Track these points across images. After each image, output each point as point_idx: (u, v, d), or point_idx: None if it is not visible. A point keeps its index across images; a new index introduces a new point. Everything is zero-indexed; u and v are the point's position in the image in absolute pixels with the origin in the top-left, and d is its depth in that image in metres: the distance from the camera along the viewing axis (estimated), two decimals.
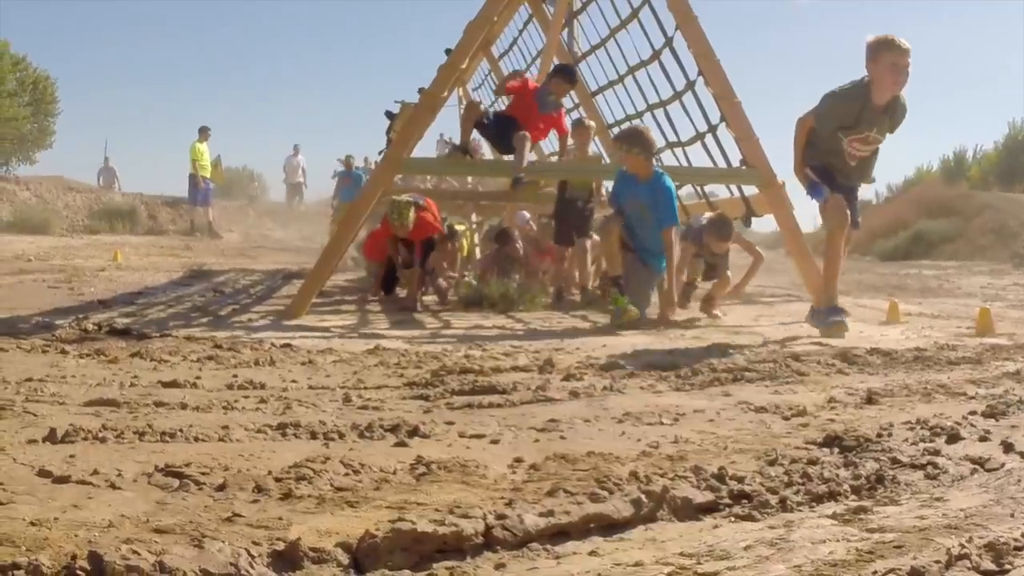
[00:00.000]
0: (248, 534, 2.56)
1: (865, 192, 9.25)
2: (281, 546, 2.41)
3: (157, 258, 18.28)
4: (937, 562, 2.34)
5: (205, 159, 29.96)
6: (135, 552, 2.22)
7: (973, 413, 4.61)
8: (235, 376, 5.54)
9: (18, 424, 3.99)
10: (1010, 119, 47.28)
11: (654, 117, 13.71)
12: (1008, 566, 2.34)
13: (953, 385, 5.59)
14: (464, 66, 12.09)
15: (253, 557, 2.32)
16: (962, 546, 2.43)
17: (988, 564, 2.34)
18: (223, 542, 2.39)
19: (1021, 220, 32.96)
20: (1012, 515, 2.81)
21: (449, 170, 14.58)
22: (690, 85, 12.19)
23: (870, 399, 5.05)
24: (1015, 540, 2.51)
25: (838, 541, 2.57)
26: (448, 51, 10.91)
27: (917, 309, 12.44)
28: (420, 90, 11.22)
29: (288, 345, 7.06)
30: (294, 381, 5.48)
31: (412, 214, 11.15)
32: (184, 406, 4.55)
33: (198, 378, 5.42)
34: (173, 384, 5.17)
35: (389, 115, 11.48)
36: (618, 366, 6.33)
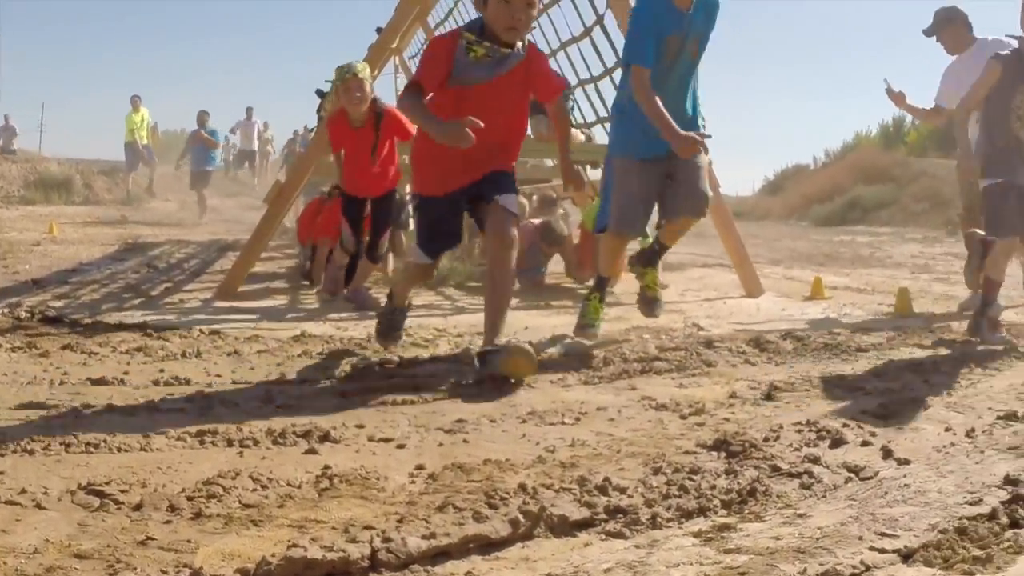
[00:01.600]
0: (159, 558, 2.77)
1: (802, 157, 9.28)
2: (186, 574, 2.62)
3: (93, 229, 18.17)
4: None
5: (143, 128, 29.81)
6: None
7: (864, 412, 4.87)
8: (162, 371, 5.72)
9: None
10: None
11: (585, 92, 13.97)
12: None
13: (854, 379, 5.84)
14: (395, 45, 12.19)
15: None
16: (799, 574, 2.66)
17: None
18: (136, 570, 2.60)
19: (956, 188, 33.39)
20: (861, 537, 3.04)
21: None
22: (599, 19, 12.50)
23: (770, 395, 5.28)
24: (852, 568, 2.75)
25: (691, 564, 2.80)
26: (379, 29, 10.97)
27: (844, 282, 12.68)
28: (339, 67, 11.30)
29: (216, 332, 7.23)
30: (218, 376, 5.68)
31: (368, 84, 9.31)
32: (111, 407, 4.73)
33: (126, 373, 5.60)
34: (101, 381, 5.35)
35: (320, 93, 11.53)
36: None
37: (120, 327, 7.33)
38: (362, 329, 7.56)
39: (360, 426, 4.48)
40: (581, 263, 11.39)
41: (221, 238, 19.28)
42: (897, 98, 9.97)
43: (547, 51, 14.65)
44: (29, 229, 18.72)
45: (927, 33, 9.73)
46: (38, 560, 2.74)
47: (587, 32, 13.08)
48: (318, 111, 11.27)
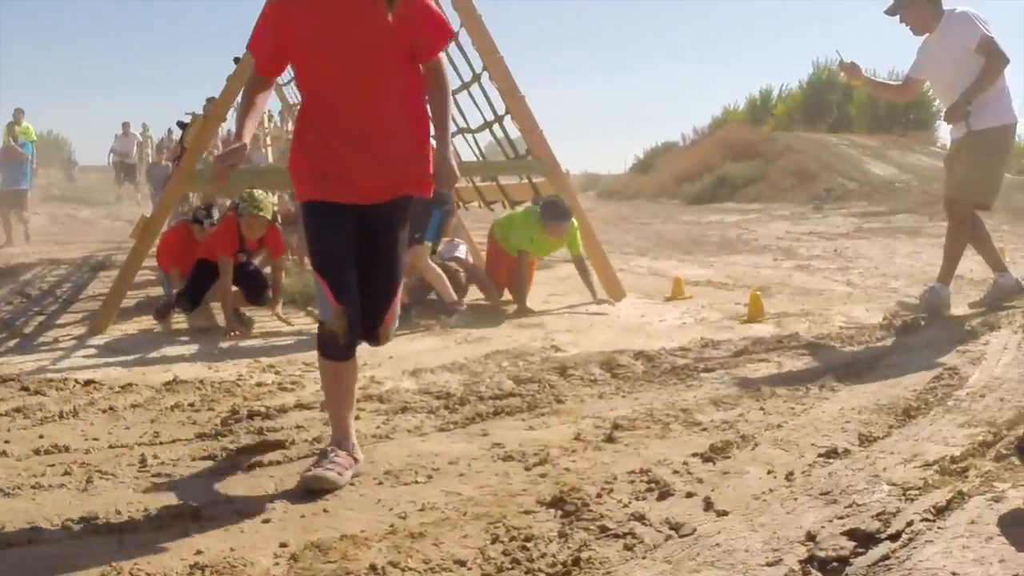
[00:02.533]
0: None
1: (671, 135, 9.37)
2: None
3: None
4: None
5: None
6: None
7: (696, 455, 5.26)
8: (41, 437, 5.97)
9: None
10: (815, 58, 48.50)
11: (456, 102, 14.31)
12: None
13: (695, 408, 6.26)
14: None
15: None
16: None
17: None
18: None
19: (822, 161, 34.17)
20: None
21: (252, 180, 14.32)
22: (476, 78, 12.76)
23: (611, 436, 5.67)
24: None
25: None
26: (236, 60, 11.18)
27: (708, 274, 13.09)
28: (209, 99, 11.54)
29: (91, 382, 7.48)
30: (95, 439, 5.94)
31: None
32: None
33: (7, 442, 5.84)
34: None
35: (181, 125, 11.77)
36: (396, 395, 6.92)
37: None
38: (232, 368, 7.86)
39: (229, 500, 4.80)
40: (493, 278, 11.58)
41: (94, 254, 19.28)
42: (851, 71, 9.91)
43: None
44: None
45: (889, 13, 9.59)
46: None
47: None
48: (180, 141, 11.51)
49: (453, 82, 13.39)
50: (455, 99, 13.75)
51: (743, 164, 35.01)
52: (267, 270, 11.31)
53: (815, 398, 6.48)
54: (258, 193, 10.17)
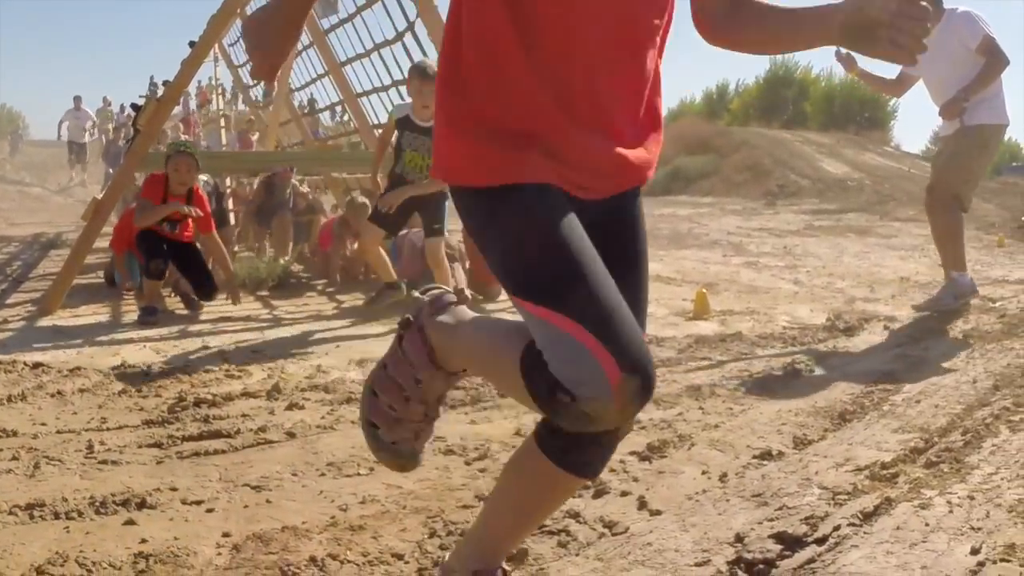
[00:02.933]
0: None
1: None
2: None
3: None
4: None
5: None
6: None
7: (633, 453, 5.38)
8: None
9: None
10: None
11: (399, 92, 14.40)
12: None
13: None
14: (206, 59, 12.49)
15: None
16: None
17: None
18: None
19: (775, 157, 34.35)
20: None
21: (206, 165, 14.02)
22: (410, 26, 13.09)
23: None
24: None
25: None
26: (192, 43, 11.20)
27: (656, 268, 13.14)
28: (164, 83, 11.61)
29: (40, 364, 7.52)
30: (43, 424, 6.00)
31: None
32: None
33: None
34: None
35: (135, 107, 11.78)
36: (342, 385, 7.00)
37: None
38: (182, 355, 7.93)
39: (174, 489, 4.85)
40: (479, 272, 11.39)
41: (44, 231, 19.23)
42: (848, 63, 9.86)
43: (363, 49, 15.10)
44: None
45: None
46: None
47: (399, 36, 13.52)
48: (133, 124, 11.52)
49: (388, 32, 13.56)
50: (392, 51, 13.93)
51: (697, 158, 35.18)
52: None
53: (754, 399, 6.60)
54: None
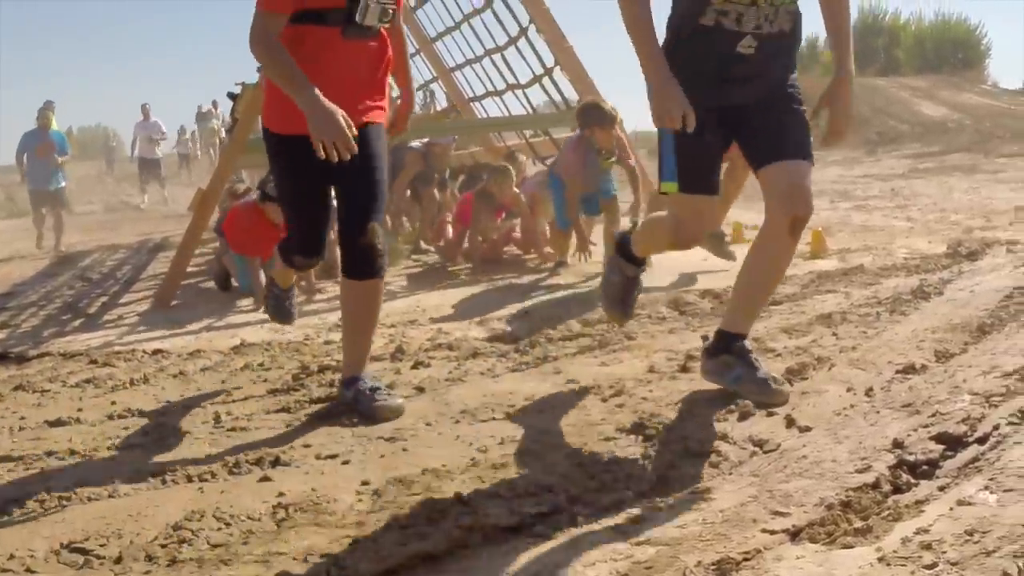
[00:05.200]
0: None
1: None
2: None
3: (21, 244, 18.19)
4: None
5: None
6: None
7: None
8: (114, 403, 5.97)
9: None
10: (860, 3, 48.17)
11: (492, 61, 14.26)
12: None
13: (767, 337, 6.17)
14: None
15: None
16: (692, 570, 3.02)
17: None
18: None
19: (872, 106, 33.88)
20: (755, 520, 3.40)
21: None
22: (523, 32, 12.73)
23: (685, 367, 5.62)
24: (743, 554, 3.11)
25: (605, 562, 3.17)
26: None
27: (760, 219, 12.88)
28: (259, 69, 11.54)
29: (159, 351, 7.49)
30: (168, 401, 5.97)
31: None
32: (72, 452, 4.97)
33: (80, 411, 5.84)
34: (58, 423, 5.57)
35: (232, 96, 11.77)
36: (464, 342, 6.91)
37: (67, 357, 7.55)
38: (299, 330, 7.86)
39: (307, 445, 4.80)
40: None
41: (149, 237, 19.35)
42: None
43: (452, 23, 14.99)
44: None
45: None
46: None
47: (488, 4, 13.39)
48: (231, 113, 11.51)
49: (499, 38, 13.36)
50: (503, 55, 13.73)
51: None
52: None
53: (886, 321, 6.39)
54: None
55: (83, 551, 3.69)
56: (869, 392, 4.81)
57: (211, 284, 11.33)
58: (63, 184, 19.49)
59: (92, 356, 7.47)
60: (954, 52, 44.05)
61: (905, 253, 9.39)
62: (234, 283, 10.51)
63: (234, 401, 5.85)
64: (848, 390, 4.91)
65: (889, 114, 33.26)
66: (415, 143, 12.20)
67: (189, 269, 11.00)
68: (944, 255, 8.95)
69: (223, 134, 31.65)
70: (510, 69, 13.79)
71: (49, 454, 4.98)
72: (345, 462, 4.53)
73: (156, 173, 30.33)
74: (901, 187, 17.00)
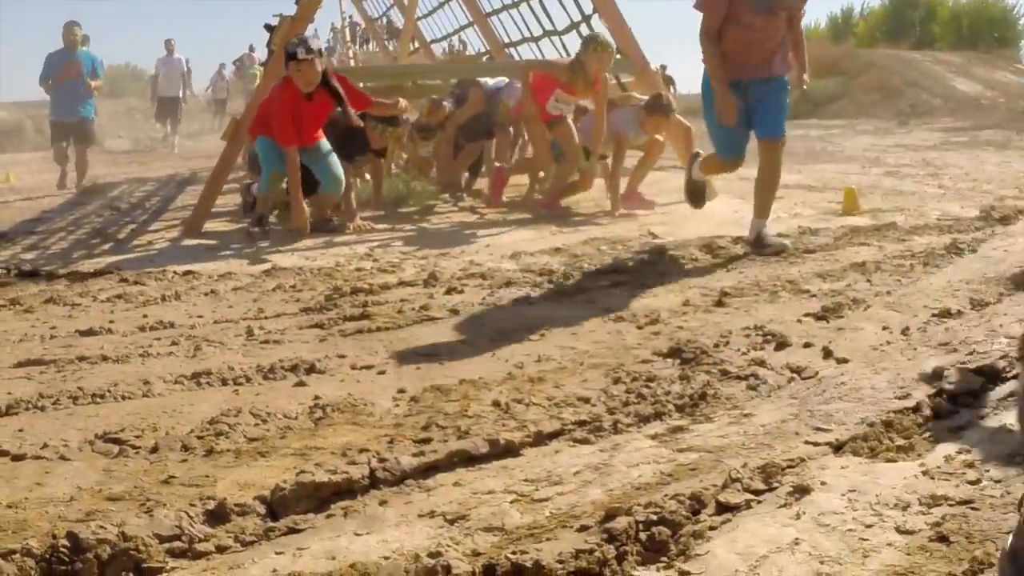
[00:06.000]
0: (184, 494, 3.11)
1: None
2: (212, 505, 2.95)
3: (49, 175, 17.56)
4: (715, 485, 2.92)
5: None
6: (101, 527, 2.75)
7: (808, 315, 5.22)
8: (145, 316, 5.96)
9: None
10: None
11: (530, 7, 14.22)
12: (776, 484, 2.93)
13: (801, 280, 6.17)
14: None
15: (192, 517, 2.86)
16: (738, 470, 3.01)
17: (758, 484, 2.93)
18: (166, 506, 2.94)
19: (906, 78, 33.69)
20: (797, 433, 3.40)
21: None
22: None
23: (720, 301, 5.62)
24: (787, 461, 3.10)
25: (649, 464, 3.17)
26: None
27: (796, 179, 12.90)
28: (297, 1, 11.45)
29: (190, 272, 7.46)
30: (200, 316, 5.94)
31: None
32: (104, 358, 4.95)
33: (111, 322, 5.82)
34: (89, 332, 5.55)
35: (268, 28, 11.68)
36: (496, 273, 6.88)
37: (96, 275, 7.52)
38: (330, 258, 7.85)
39: (342, 356, 4.80)
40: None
41: (177, 172, 19.33)
42: None
43: None
44: None
45: None
46: (76, 506, 3.05)
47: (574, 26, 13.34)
48: (268, 45, 11.43)
49: None
50: (541, 1, 13.70)
51: (825, 81, 34.48)
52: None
53: (920, 272, 6.37)
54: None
55: (118, 441, 3.69)
56: (905, 331, 4.82)
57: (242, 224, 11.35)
58: (91, 115, 16.43)
59: (122, 275, 7.44)
60: (990, 30, 43.69)
61: (937, 215, 9.35)
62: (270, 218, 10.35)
63: (266, 317, 5.85)
64: (884, 328, 4.92)
65: (922, 87, 33.03)
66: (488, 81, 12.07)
67: (219, 208, 10.92)
68: (976, 218, 8.89)
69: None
70: (548, 15, 13.76)
71: (81, 359, 4.97)
72: (381, 372, 4.54)
73: (173, 112, 27.87)
74: (933, 158, 16.90)
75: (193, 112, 35.22)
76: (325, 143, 9.62)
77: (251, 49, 35.17)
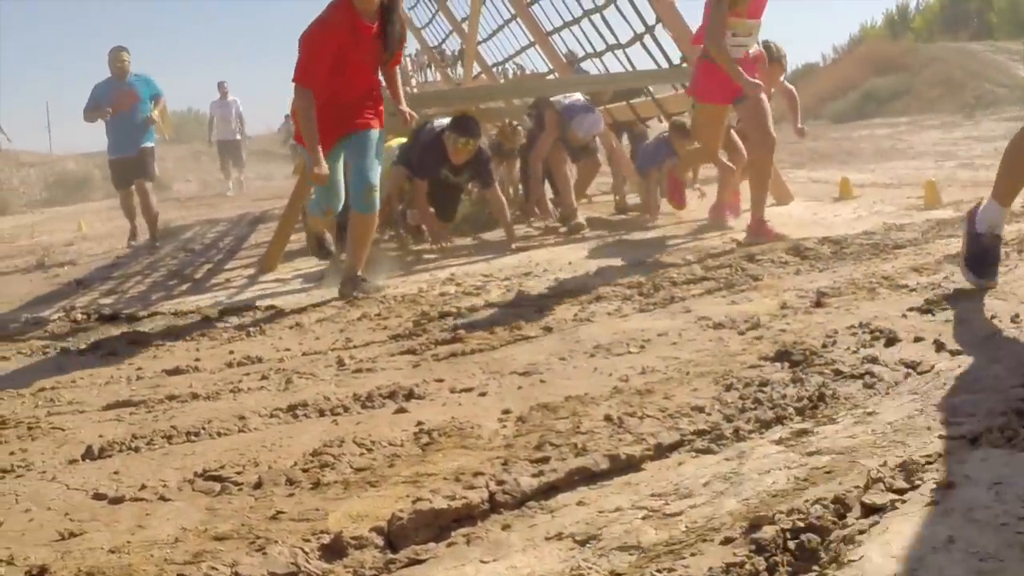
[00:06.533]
0: (295, 529, 2.97)
1: (810, 56, 9.10)
2: (327, 539, 2.83)
3: (121, 222, 17.27)
4: (857, 487, 2.79)
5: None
6: (213, 568, 2.65)
7: (912, 309, 5.08)
8: (232, 352, 5.89)
9: (52, 443, 4.26)
10: None
11: (591, 22, 14.13)
12: (918, 481, 2.79)
13: (897, 275, 6.02)
14: None
15: (307, 554, 2.75)
16: (878, 470, 2.87)
17: (900, 483, 2.79)
18: (279, 543, 2.82)
19: (968, 70, 33.44)
20: (929, 428, 3.26)
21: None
22: None
23: (819, 302, 5.48)
24: (925, 457, 2.96)
25: (780, 470, 3.02)
26: None
27: (870, 179, 12.82)
28: None
29: (272, 307, 7.41)
30: (287, 349, 5.86)
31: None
32: (195, 396, 4.88)
33: (197, 360, 5.76)
34: (176, 371, 5.49)
35: None
36: (585, 289, 6.77)
37: (178, 315, 7.48)
38: (412, 284, 7.81)
39: (439, 380, 4.69)
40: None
41: (248, 211, 19.39)
42: None
43: None
44: (59, 230, 18.76)
45: None
46: (182, 548, 2.93)
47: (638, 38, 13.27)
48: None
49: None
50: (602, 15, 13.61)
51: (887, 78, 34.33)
52: None
53: (1016, 260, 6.27)
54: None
55: (219, 479, 3.57)
56: (1015, 319, 4.67)
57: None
58: (151, 143, 14.61)
59: (204, 313, 7.38)
60: None
61: (1021, 201, 9.17)
62: (330, 246, 10.30)
63: (355, 347, 5.76)
64: (992, 317, 4.80)
65: (986, 78, 32.74)
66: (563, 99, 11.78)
67: (293, 244, 10.85)
68: None
69: None
70: (610, 29, 13.67)
71: (171, 398, 4.90)
72: (482, 394, 4.43)
73: (236, 155, 27.87)
74: (1005, 147, 16.68)
75: (258, 154, 35.39)
76: (376, 133, 7.63)
77: None
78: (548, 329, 5.61)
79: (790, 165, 16.69)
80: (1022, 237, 6.97)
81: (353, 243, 7.70)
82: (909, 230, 7.96)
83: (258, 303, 7.66)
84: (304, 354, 5.72)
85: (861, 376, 3.98)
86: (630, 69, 13.31)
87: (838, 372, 4.07)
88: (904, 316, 4.97)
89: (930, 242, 7.29)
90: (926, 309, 5.03)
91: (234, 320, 7.02)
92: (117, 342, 6.57)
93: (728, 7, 8.19)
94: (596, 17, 13.77)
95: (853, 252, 7.06)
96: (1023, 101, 28.52)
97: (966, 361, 4.07)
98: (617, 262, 7.92)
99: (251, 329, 6.57)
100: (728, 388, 4.00)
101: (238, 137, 27.37)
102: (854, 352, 4.36)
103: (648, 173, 11.19)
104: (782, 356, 4.40)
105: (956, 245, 6.77)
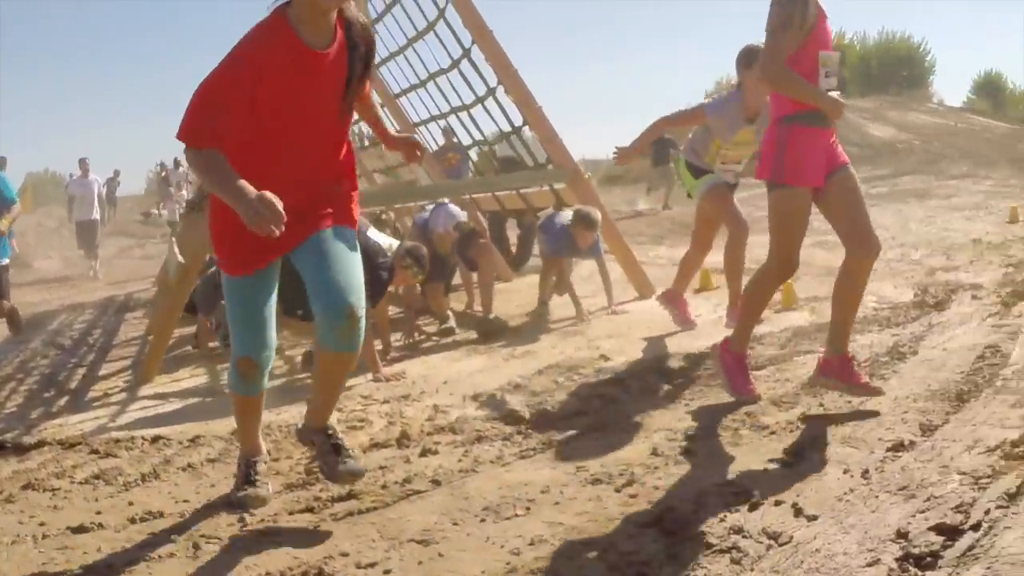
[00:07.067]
0: None
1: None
2: None
3: None
4: None
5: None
6: None
7: (772, 461, 5.55)
8: (131, 504, 5.99)
9: None
10: None
11: (459, 119, 14.58)
12: None
13: (759, 411, 6.62)
14: None
15: None
16: None
17: None
18: None
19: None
20: None
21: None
22: (491, 91, 13.09)
23: (687, 450, 5.91)
24: None
25: None
26: None
27: (718, 261, 13.12)
28: None
29: (159, 438, 7.49)
30: (186, 501, 6.00)
31: None
32: (110, 567, 5.00)
33: (99, 513, 5.84)
34: (81, 529, 5.56)
35: None
36: (465, 424, 7.05)
37: (66, 446, 7.51)
38: (295, 412, 7.91)
39: (344, 554, 4.90)
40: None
41: (113, 295, 19.32)
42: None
43: (416, 80, 15.22)
44: None
45: None
46: None
47: (455, 64, 13.66)
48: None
49: (467, 97, 13.59)
50: (469, 113, 14.03)
51: None
52: None
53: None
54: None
55: None
56: (865, 474, 5.12)
57: (186, 348, 11.54)
58: (5, 260, 13.92)
59: (92, 445, 7.44)
60: (899, 70, 44.42)
61: (873, 302, 9.65)
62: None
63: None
64: (845, 471, 5.23)
65: (838, 136, 33.41)
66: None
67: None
68: (912, 304, 9.24)
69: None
70: (477, 126, 14.14)
71: (84, 569, 5.00)
72: (386, 571, 4.66)
73: (90, 239, 26.63)
74: None
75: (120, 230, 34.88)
76: (349, 232, 5.41)
77: (175, 163, 35.08)
78: (436, 482, 5.83)
79: (650, 240, 17.07)
80: (873, 357, 7.55)
81: (322, 385, 5.67)
82: (767, 342, 8.40)
83: (143, 432, 7.74)
84: (205, 507, 5.87)
85: (729, 551, 4.36)
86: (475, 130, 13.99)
87: (708, 545, 4.44)
88: (766, 470, 5.41)
89: (787, 360, 7.77)
90: (786, 462, 5.50)
91: (124, 455, 7.11)
92: (11, 484, 6.59)
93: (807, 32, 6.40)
94: (464, 114, 14.24)
95: (712, 374, 7.55)
96: (874, 160, 29.27)
97: (821, 530, 4.44)
98: (492, 383, 8.27)
99: (145, 472, 6.62)
100: (612, 568, 4.35)
101: (95, 217, 26.62)
102: (722, 520, 4.74)
103: (551, 263, 11.53)
104: (655, 522, 4.79)
105: (812, 363, 7.15)
